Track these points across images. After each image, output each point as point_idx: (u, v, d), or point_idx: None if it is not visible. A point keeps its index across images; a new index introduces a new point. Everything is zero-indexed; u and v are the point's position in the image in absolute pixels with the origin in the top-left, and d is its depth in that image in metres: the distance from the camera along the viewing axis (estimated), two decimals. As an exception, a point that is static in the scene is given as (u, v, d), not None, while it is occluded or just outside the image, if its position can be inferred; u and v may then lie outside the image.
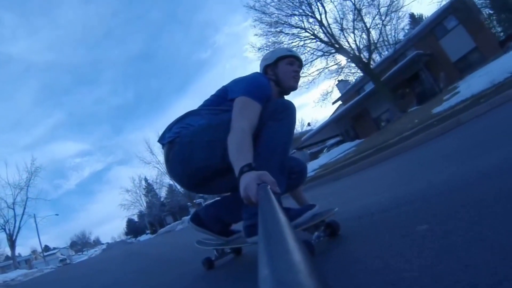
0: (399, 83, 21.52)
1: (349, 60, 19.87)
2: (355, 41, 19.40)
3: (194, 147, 1.72)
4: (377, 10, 18.76)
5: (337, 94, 28.40)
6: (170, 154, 1.80)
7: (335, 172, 8.62)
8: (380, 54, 25.00)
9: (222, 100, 1.82)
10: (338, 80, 25.10)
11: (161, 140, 1.92)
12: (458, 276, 0.77)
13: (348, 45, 19.37)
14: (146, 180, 50.52)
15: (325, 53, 19.67)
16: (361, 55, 19.32)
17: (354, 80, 27.26)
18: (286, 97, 2.05)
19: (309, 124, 47.05)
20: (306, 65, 19.50)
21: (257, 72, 1.99)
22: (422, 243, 1.10)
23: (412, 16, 40.95)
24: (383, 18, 18.79)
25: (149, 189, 52.04)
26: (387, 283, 0.89)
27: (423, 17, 36.89)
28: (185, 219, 23.52)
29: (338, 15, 19.42)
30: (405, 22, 24.07)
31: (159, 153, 37.98)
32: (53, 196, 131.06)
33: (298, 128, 50.36)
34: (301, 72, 2.12)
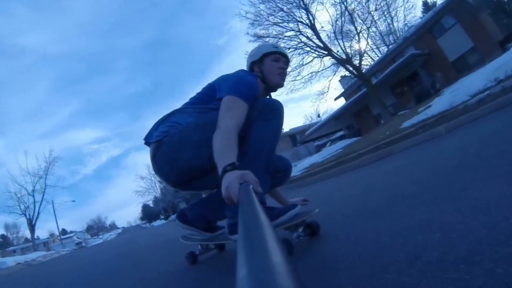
0: (398, 81, 21.77)
1: (338, 64, 20.41)
2: (343, 47, 19.98)
3: (182, 147, 1.72)
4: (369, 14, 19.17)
5: (340, 90, 28.92)
6: (157, 153, 1.80)
7: (302, 179, 9.44)
8: (379, 50, 25.34)
9: (210, 98, 1.81)
10: (341, 76, 25.61)
11: (148, 138, 1.91)
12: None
13: (341, 49, 19.91)
14: None
15: (319, 55, 20.25)
16: (352, 58, 19.79)
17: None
18: (273, 94, 2.08)
19: (319, 116, 47.31)
20: (304, 66, 20.10)
21: (244, 70, 1.95)
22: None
23: (425, 3, 40.15)
24: (375, 20, 19.22)
25: None
26: (367, 282, 0.90)
27: (437, 5, 36.28)
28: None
29: (330, 19, 19.99)
30: (411, 15, 24.18)
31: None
32: (71, 181, 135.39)
33: (308, 119, 50.65)
34: (288, 68, 2.09)
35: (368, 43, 20.84)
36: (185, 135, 1.73)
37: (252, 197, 0.69)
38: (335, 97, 29.32)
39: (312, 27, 19.48)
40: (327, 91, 21.47)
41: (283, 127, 1.87)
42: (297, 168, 17.18)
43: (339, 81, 27.45)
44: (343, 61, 19.72)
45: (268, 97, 2.05)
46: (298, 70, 20.35)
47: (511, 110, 4.80)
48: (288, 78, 20.12)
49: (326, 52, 19.82)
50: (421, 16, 28.31)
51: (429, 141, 5.73)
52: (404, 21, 22.90)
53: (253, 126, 1.67)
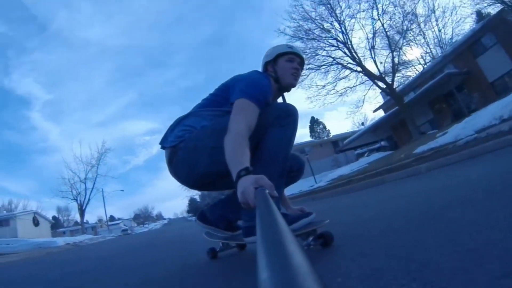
0: (436, 98, 21.69)
1: (372, 80, 20.81)
2: (377, 63, 20.47)
3: (198, 153, 1.73)
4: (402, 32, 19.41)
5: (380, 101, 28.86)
6: (174, 158, 1.82)
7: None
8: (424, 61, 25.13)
9: (224, 100, 1.80)
10: (382, 88, 25.76)
11: (163, 142, 1.92)
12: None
13: (375, 66, 20.48)
14: None
15: (354, 71, 20.86)
16: (385, 75, 20.18)
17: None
18: (286, 94, 2.09)
19: (363, 124, 46.95)
20: (339, 80, 20.63)
21: (258, 72, 1.95)
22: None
23: (479, 14, 38.45)
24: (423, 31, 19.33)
25: None
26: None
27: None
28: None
29: (366, 36, 20.50)
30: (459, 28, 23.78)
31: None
32: (122, 170, 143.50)
33: (351, 127, 49.99)
34: (302, 69, 2.10)
35: (401, 56, 20.93)
36: (201, 141, 1.74)
37: (269, 201, 0.69)
38: (374, 109, 29.35)
39: (346, 43, 20.24)
40: (362, 105, 21.78)
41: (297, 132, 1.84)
42: (326, 179, 17.86)
43: (380, 92, 27.44)
44: (376, 78, 20.08)
45: (281, 97, 2.09)
46: (334, 83, 21.18)
47: (491, 158, 4.70)
48: (322, 91, 21.02)
49: (360, 69, 20.40)
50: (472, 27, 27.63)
51: (411, 176, 6.19)
52: (451, 34, 22.73)
53: (269, 131, 1.68)
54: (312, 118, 73.47)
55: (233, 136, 1.44)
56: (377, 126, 27.13)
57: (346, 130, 46.47)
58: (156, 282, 1.84)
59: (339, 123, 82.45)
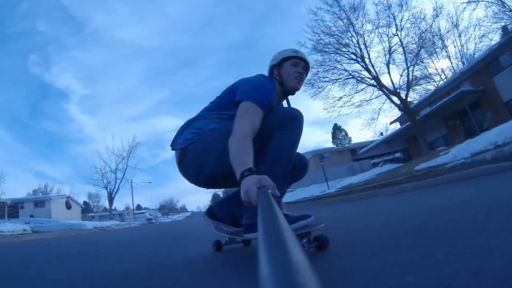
0: (451, 114, 21.79)
1: (387, 95, 21.30)
2: (391, 78, 21.14)
3: (207, 155, 1.78)
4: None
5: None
6: (183, 160, 1.90)
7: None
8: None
9: (231, 103, 1.81)
10: (396, 104, 25.89)
11: (173, 145, 1.98)
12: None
13: (390, 80, 21.00)
14: None
15: (369, 85, 21.54)
16: (400, 90, 20.69)
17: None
18: (291, 97, 2.13)
19: (381, 134, 46.81)
20: (357, 93, 21.39)
21: (263, 76, 2.00)
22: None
23: (504, 28, 37.25)
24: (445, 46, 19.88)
25: None
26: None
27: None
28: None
29: (383, 50, 21.01)
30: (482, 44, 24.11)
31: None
32: (151, 163, 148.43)
33: (371, 136, 49.55)
34: (307, 73, 2.14)
35: (423, 70, 21.34)
36: (209, 143, 1.78)
37: (271, 200, 0.72)
38: (390, 121, 29.60)
39: (364, 57, 20.92)
40: (377, 118, 22.12)
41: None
42: (337, 186, 18.59)
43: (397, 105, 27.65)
44: (390, 92, 20.70)
45: (285, 100, 2.14)
46: (350, 96, 21.86)
47: (470, 183, 4.85)
48: (338, 103, 21.65)
49: (375, 84, 21.08)
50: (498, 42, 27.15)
51: (398, 194, 6.63)
52: (474, 49, 22.88)
53: (274, 134, 1.71)
54: (335, 125, 73.29)
55: (238, 138, 1.48)
56: (392, 138, 27.42)
57: (365, 139, 46.39)
58: (162, 269, 1.95)
59: (361, 131, 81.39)
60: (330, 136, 75.52)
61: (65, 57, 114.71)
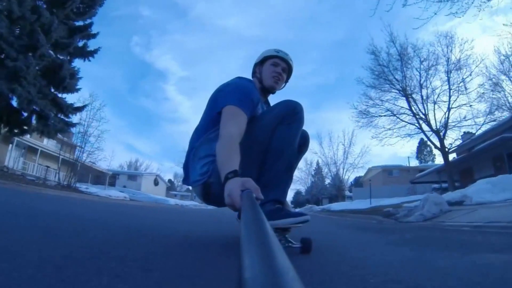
0: (500, 155, 21.83)
1: (426, 134, 22.40)
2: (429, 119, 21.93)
3: None
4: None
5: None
6: (210, 194, 1.86)
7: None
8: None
9: (219, 115, 1.77)
10: (464, 132, 26.43)
11: (189, 183, 1.96)
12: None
13: (433, 119, 21.89)
14: (317, 163, 55.75)
15: (409, 123, 22.94)
16: (440, 130, 21.66)
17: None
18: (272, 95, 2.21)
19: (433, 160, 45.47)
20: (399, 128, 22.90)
21: (239, 77, 2.05)
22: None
23: None
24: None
25: (318, 172, 57.27)
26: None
27: None
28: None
29: (427, 91, 21.88)
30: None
31: (326, 147, 45.33)
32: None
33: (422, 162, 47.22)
34: (289, 74, 2.21)
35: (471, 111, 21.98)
36: None
37: (254, 204, 0.72)
38: (449, 151, 29.88)
39: (409, 96, 22.11)
40: (421, 152, 22.59)
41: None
42: (375, 203, 19.34)
43: (461, 136, 27.74)
44: (433, 130, 21.89)
45: (267, 98, 2.21)
46: (394, 130, 23.11)
47: None
48: (378, 131, 23.47)
49: (416, 123, 22.33)
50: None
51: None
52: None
53: (276, 130, 1.78)
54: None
55: (223, 141, 1.50)
56: (442, 169, 27.80)
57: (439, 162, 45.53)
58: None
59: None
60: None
61: (166, 39, 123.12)
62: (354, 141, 39.44)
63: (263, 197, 1.14)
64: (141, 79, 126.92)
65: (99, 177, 34.70)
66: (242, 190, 1.10)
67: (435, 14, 9.38)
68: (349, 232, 4.46)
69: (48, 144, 28.26)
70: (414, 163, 58.79)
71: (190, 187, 2.04)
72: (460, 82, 21.15)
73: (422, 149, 69.58)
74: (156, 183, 48.82)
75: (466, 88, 21.18)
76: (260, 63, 2.14)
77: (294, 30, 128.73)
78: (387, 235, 3.90)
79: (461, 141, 26.56)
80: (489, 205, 7.03)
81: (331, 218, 11.55)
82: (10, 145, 23.66)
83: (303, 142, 2.14)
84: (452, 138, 23.57)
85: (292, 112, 1.82)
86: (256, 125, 1.80)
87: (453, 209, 7.09)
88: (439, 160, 31.08)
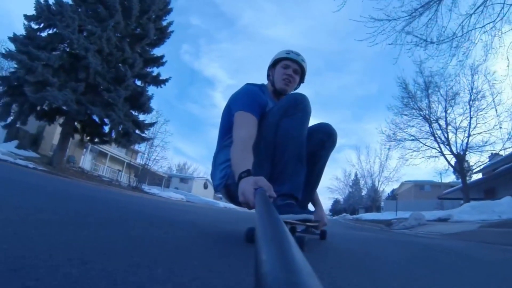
0: None
1: (446, 158, 23.99)
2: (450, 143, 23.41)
3: None
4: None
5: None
6: (233, 196, 1.87)
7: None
8: None
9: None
10: (491, 153, 27.16)
11: (215, 187, 2.02)
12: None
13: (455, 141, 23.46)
14: (356, 175, 56.66)
15: (430, 147, 24.79)
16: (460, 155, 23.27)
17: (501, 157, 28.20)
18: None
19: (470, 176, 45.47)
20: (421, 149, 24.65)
21: (247, 84, 2.08)
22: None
23: None
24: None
25: (355, 183, 58.09)
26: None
27: None
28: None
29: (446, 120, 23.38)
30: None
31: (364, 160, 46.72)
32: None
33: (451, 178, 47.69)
34: (302, 76, 2.21)
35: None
36: None
37: (267, 201, 0.74)
38: (474, 171, 30.65)
39: (432, 123, 23.82)
40: (445, 173, 23.99)
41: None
42: (400, 215, 21.11)
43: (488, 156, 28.52)
44: (453, 154, 23.66)
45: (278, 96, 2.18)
46: (418, 152, 24.77)
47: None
48: (404, 152, 24.68)
49: (438, 148, 24.11)
50: None
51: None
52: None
53: (280, 123, 1.80)
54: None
55: (235, 144, 1.60)
56: (470, 187, 28.55)
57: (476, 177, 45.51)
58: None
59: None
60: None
61: (215, 48, 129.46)
62: (390, 155, 40.61)
63: (275, 194, 1.20)
64: (190, 86, 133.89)
65: (154, 179, 38.76)
66: (255, 189, 1.16)
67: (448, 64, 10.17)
68: (349, 232, 5.41)
69: (113, 149, 32.65)
70: (452, 178, 58.14)
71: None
72: (480, 112, 22.75)
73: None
74: (205, 186, 51.01)
75: (485, 118, 22.76)
76: (272, 66, 2.16)
77: (339, 41, 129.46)
78: (370, 233, 5.50)
79: (488, 162, 27.85)
80: (461, 222, 8.99)
81: (350, 224, 13.35)
82: (84, 150, 28.43)
83: (327, 138, 2.12)
84: (474, 161, 25.09)
85: (294, 104, 1.81)
86: (262, 124, 1.84)
87: (427, 223, 9.80)
88: (475, 176, 31.77)
